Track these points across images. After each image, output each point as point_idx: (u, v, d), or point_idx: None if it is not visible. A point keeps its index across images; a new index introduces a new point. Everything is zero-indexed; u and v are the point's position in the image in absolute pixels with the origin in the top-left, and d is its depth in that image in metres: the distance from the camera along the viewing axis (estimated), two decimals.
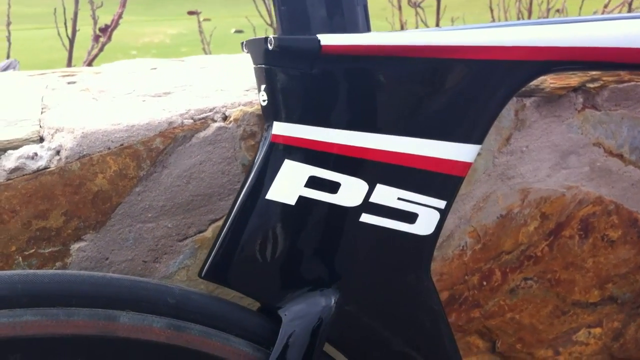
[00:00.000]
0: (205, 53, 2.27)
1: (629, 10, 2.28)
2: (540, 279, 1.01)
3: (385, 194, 0.68)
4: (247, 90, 0.80)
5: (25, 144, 0.68)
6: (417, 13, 2.10)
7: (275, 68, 0.64)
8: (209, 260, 0.65)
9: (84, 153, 0.69)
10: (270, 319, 0.67)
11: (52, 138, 0.70)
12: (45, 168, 0.68)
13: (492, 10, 2.19)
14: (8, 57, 1.73)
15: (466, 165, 0.72)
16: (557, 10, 2.24)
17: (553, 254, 1.00)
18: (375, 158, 0.67)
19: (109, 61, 1.07)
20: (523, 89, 0.92)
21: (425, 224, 0.70)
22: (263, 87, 0.65)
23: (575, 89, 0.95)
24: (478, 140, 0.72)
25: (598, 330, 1.08)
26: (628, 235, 1.05)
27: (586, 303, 1.06)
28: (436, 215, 0.71)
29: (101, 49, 1.50)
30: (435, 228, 0.71)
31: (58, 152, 0.69)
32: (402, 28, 2.15)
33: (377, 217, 0.69)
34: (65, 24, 1.56)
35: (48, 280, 0.58)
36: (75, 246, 0.71)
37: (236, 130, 0.75)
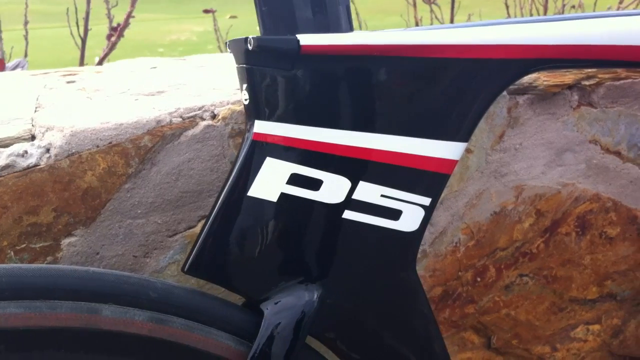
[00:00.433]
0: (221, 51, 2.29)
1: None
2: (536, 275, 1.01)
3: (368, 191, 0.69)
4: (237, 89, 0.82)
5: (17, 142, 0.70)
6: (431, 10, 2.10)
7: (255, 68, 0.65)
8: (192, 255, 0.66)
9: (73, 151, 0.71)
10: (253, 313, 0.68)
11: (42, 136, 0.72)
12: (36, 165, 0.70)
13: (507, 7, 2.18)
14: (25, 55, 1.77)
15: (452, 163, 0.73)
16: (573, 7, 2.23)
17: (549, 251, 1.01)
18: (357, 156, 0.68)
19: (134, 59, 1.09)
20: (515, 87, 0.93)
21: (409, 221, 0.71)
22: (245, 86, 0.67)
23: (570, 87, 0.95)
24: (464, 138, 0.72)
25: (597, 327, 1.08)
26: (627, 233, 1.04)
27: (584, 300, 1.06)
28: (421, 212, 0.71)
29: (111, 48, 1.52)
30: (420, 224, 0.72)
31: (48, 150, 0.71)
32: (417, 24, 2.15)
33: (360, 214, 0.69)
34: (77, 23, 1.59)
35: (31, 274, 0.60)
36: (65, 241, 0.73)
37: (224, 129, 0.77)
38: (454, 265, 0.95)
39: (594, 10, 2.18)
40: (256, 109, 0.66)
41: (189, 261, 0.66)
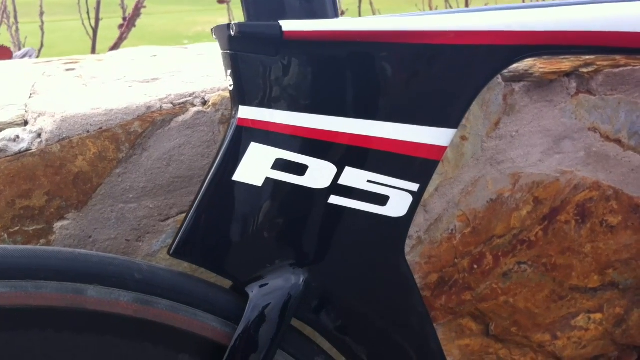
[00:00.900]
0: None
1: None
2: (535, 263, 1.01)
3: (354, 177, 0.70)
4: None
5: (9, 127, 0.72)
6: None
7: (238, 54, 0.66)
8: (177, 238, 0.68)
9: (64, 136, 0.72)
10: (239, 296, 0.69)
11: (35, 122, 0.73)
12: (27, 150, 0.72)
13: None
14: (41, 46, 1.79)
15: (441, 149, 0.73)
16: None
17: (548, 239, 1.00)
18: (342, 141, 0.69)
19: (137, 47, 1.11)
20: (511, 74, 0.93)
21: (397, 206, 0.72)
22: (229, 72, 0.68)
23: (567, 74, 0.95)
24: (453, 125, 0.73)
25: (599, 315, 1.08)
26: (629, 221, 1.04)
27: (585, 288, 1.06)
28: (409, 198, 0.72)
29: (120, 38, 1.54)
30: (409, 210, 0.72)
31: (39, 135, 0.72)
32: None
33: (346, 199, 0.70)
34: (87, 14, 1.61)
35: (18, 255, 0.61)
36: (58, 224, 0.75)
37: (215, 115, 0.78)
38: (450, 252, 0.95)
39: None
40: (240, 95, 0.67)
41: (175, 244, 0.68)
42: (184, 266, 0.80)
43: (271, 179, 0.68)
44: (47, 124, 0.73)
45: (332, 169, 0.69)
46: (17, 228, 0.73)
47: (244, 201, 0.68)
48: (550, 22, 0.71)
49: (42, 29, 1.78)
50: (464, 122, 0.91)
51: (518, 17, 0.71)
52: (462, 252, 0.96)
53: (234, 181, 0.67)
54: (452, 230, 0.95)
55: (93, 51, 1.67)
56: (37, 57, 1.64)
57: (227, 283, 0.71)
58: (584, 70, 0.95)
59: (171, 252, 0.68)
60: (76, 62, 0.95)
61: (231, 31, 0.65)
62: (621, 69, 0.96)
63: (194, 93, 0.78)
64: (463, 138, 0.92)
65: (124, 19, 1.56)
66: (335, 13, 0.71)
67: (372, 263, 0.73)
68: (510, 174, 0.95)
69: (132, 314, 0.65)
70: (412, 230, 0.93)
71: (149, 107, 0.75)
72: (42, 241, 0.75)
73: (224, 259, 0.69)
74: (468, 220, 0.95)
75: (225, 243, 0.68)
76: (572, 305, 1.06)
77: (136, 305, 0.65)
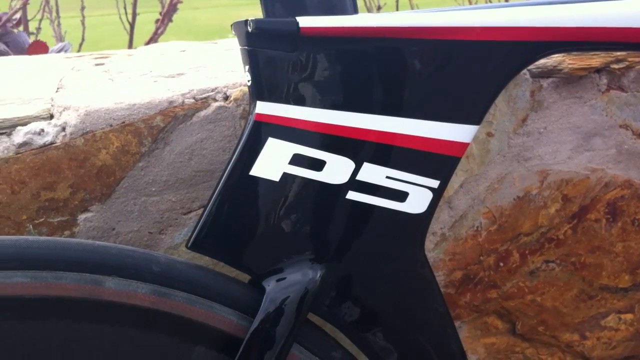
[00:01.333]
0: None
1: None
2: (563, 262, 0.99)
3: (372, 173, 0.70)
4: None
5: (35, 121, 0.74)
6: None
7: (256, 50, 0.67)
8: (195, 232, 0.68)
9: (87, 130, 0.74)
10: (256, 289, 0.70)
11: (60, 115, 0.75)
12: (52, 143, 0.74)
13: None
14: (82, 40, 1.83)
15: (462, 146, 0.72)
16: None
17: (577, 237, 0.99)
18: (361, 137, 0.69)
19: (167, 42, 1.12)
20: (539, 70, 0.92)
21: (416, 203, 0.72)
22: (247, 67, 0.68)
23: (598, 70, 0.93)
24: (475, 121, 0.72)
25: (630, 316, 1.06)
26: None
27: (616, 288, 1.04)
28: (429, 195, 0.72)
29: (155, 33, 1.56)
30: (429, 206, 0.72)
31: (64, 129, 0.74)
32: None
33: (364, 195, 0.70)
34: (125, 8, 1.64)
35: (37, 246, 0.63)
36: (82, 217, 0.76)
37: (236, 110, 0.78)
38: (475, 249, 0.95)
39: None
40: (258, 90, 0.68)
41: (192, 237, 0.69)
42: (205, 260, 0.81)
43: (288, 174, 0.68)
44: (71, 118, 0.74)
45: (350, 164, 0.69)
46: (42, 219, 0.75)
47: (261, 196, 0.68)
48: (573, 18, 0.70)
49: (83, 23, 1.81)
50: (489, 118, 0.90)
51: (540, 13, 0.70)
52: (487, 250, 0.95)
53: (252, 176, 0.68)
54: (477, 227, 0.94)
55: (130, 46, 1.70)
56: (79, 51, 1.66)
57: (246, 277, 0.71)
58: (615, 66, 0.93)
59: (189, 245, 0.69)
60: (106, 57, 0.97)
61: (248, 27, 0.66)
62: None
63: (216, 88, 0.79)
64: (489, 134, 0.91)
65: (160, 13, 1.58)
66: (354, 9, 0.71)
67: (391, 259, 0.73)
68: (537, 171, 0.94)
69: (149, 306, 0.66)
70: (437, 227, 0.93)
71: (171, 102, 0.76)
72: (66, 232, 0.76)
73: (241, 253, 0.69)
74: (494, 217, 0.94)
75: (241, 237, 0.69)
76: (601, 305, 1.04)
77: (153, 297, 0.66)
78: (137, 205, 0.78)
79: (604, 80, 0.94)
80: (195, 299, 0.67)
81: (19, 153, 0.73)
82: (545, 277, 0.99)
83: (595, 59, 0.93)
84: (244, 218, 0.69)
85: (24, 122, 0.74)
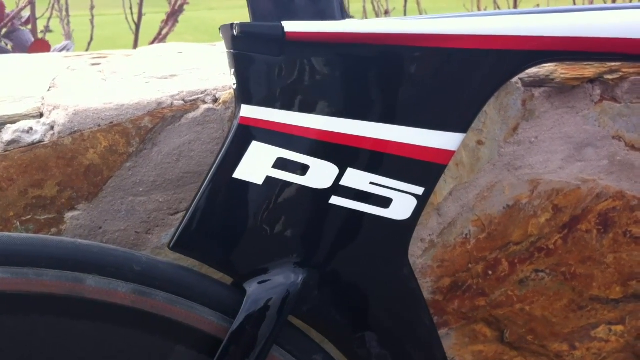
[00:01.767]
0: None
1: None
2: (553, 271, 0.99)
3: (356, 178, 0.70)
4: None
5: (25, 119, 0.75)
6: (495, 0, 2.07)
7: (241, 53, 0.67)
8: (177, 233, 0.69)
9: (75, 129, 0.75)
10: (237, 291, 0.70)
11: (49, 114, 0.76)
12: (40, 142, 0.75)
13: None
14: (91, 39, 1.84)
15: (448, 154, 0.73)
16: None
17: (568, 247, 0.99)
18: (345, 142, 0.69)
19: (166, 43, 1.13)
20: (531, 79, 0.92)
21: (400, 209, 0.72)
22: (232, 71, 0.69)
23: (591, 80, 0.93)
24: (462, 129, 0.72)
25: (620, 327, 1.05)
26: None
27: (606, 299, 1.04)
28: (413, 201, 0.72)
29: (160, 34, 1.58)
30: (413, 213, 0.72)
31: (52, 128, 0.75)
32: None
33: (348, 200, 0.70)
34: (130, 9, 1.65)
35: (19, 243, 0.64)
36: (69, 215, 0.77)
37: (225, 112, 0.79)
38: (464, 256, 0.95)
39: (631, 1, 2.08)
40: (243, 94, 0.68)
41: (175, 238, 0.69)
42: (190, 261, 0.81)
43: (272, 177, 0.69)
44: (60, 117, 0.75)
45: (334, 169, 0.70)
46: (29, 216, 0.76)
47: (244, 199, 0.69)
48: (563, 27, 0.70)
49: (92, 22, 1.82)
50: (480, 126, 0.91)
51: (528, 22, 0.70)
52: (476, 257, 0.95)
53: (235, 179, 0.68)
54: (466, 234, 0.94)
55: (135, 46, 1.71)
56: (87, 50, 1.68)
57: (229, 279, 0.72)
58: (609, 77, 0.93)
59: (171, 245, 0.70)
60: (104, 57, 0.98)
61: (234, 31, 0.66)
62: None
63: (205, 90, 0.79)
64: (479, 142, 0.91)
65: (167, 14, 1.60)
66: (342, 15, 0.71)
67: (374, 264, 0.74)
68: (528, 180, 0.94)
69: (129, 304, 0.66)
70: (425, 234, 0.93)
71: (159, 103, 0.77)
72: (53, 230, 0.77)
73: (223, 255, 0.70)
74: (483, 226, 0.94)
75: (223, 239, 0.69)
76: (592, 316, 1.04)
77: (134, 295, 0.67)
78: (124, 205, 0.79)
79: (597, 91, 0.94)
80: (175, 299, 0.68)
81: (7, 151, 0.74)
82: (535, 286, 0.99)
83: (589, 69, 0.93)
84: (226, 220, 0.69)
85: (13, 120, 0.75)
